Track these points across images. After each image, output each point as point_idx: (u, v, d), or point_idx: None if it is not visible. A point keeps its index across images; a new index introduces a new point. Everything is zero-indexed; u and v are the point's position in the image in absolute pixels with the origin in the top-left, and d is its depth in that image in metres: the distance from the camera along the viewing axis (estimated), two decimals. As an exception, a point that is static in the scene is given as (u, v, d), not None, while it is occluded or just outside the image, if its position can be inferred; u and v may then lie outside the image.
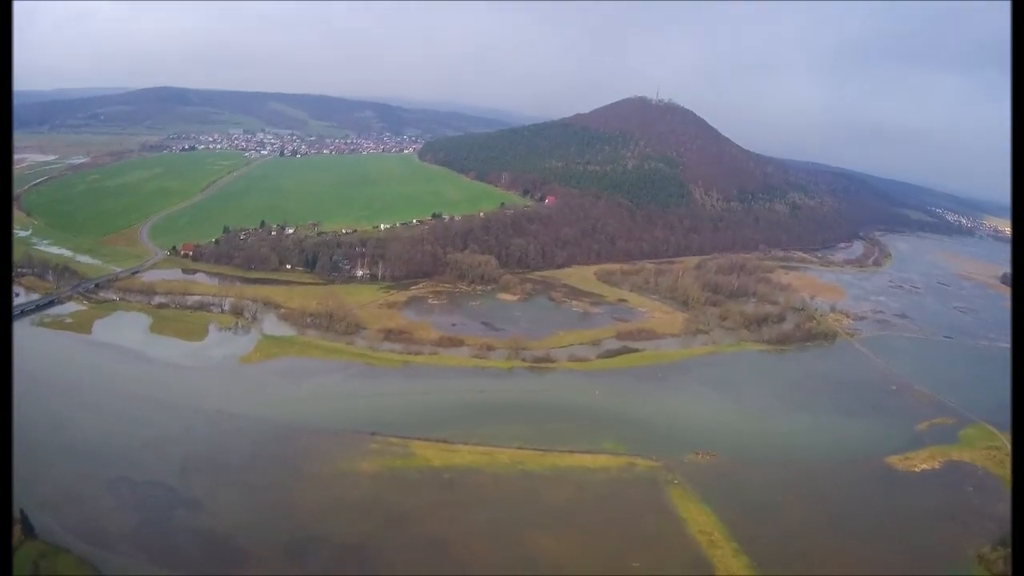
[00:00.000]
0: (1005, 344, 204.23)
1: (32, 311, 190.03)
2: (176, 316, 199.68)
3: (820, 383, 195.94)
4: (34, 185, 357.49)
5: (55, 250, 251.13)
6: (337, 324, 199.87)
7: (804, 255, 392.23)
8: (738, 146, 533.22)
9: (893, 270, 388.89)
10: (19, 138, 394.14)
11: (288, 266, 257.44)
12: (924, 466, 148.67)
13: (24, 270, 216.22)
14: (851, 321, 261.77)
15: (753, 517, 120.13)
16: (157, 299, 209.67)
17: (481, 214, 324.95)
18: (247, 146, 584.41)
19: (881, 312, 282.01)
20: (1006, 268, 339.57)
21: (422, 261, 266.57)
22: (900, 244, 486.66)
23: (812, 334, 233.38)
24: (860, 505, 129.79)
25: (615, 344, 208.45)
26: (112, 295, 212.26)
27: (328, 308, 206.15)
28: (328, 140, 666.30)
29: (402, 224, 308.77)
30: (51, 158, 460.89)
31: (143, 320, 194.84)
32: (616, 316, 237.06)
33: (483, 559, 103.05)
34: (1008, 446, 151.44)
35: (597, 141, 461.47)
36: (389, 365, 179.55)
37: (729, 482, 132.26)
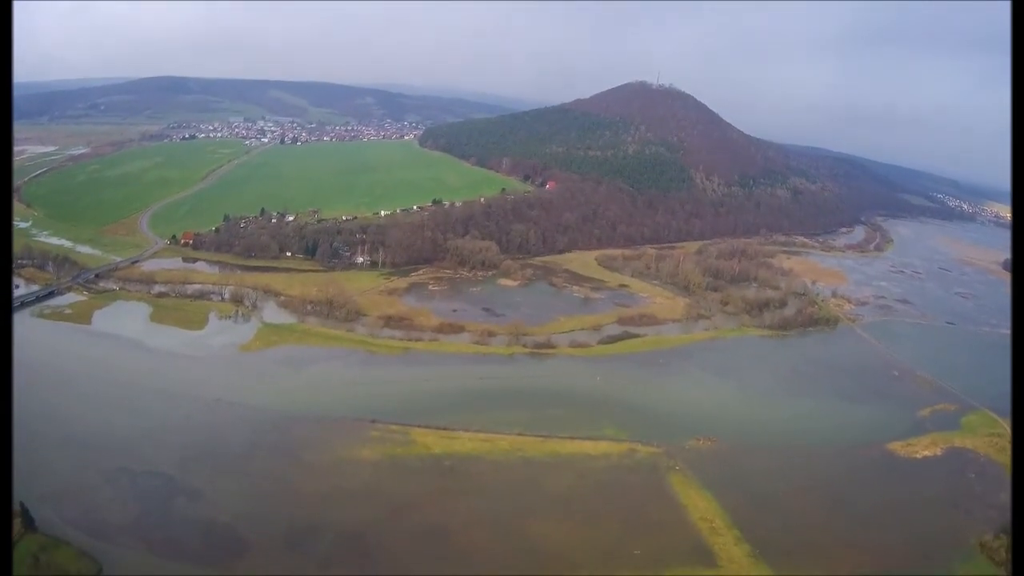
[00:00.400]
0: (1007, 330, 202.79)
1: (32, 302, 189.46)
2: (176, 305, 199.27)
3: (821, 369, 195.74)
4: (34, 176, 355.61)
5: (55, 241, 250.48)
6: (337, 311, 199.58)
7: (805, 240, 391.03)
8: (739, 131, 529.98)
9: (894, 255, 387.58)
10: (19, 129, 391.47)
11: (288, 253, 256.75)
12: (926, 452, 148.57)
13: (24, 261, 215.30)
14: (852, 306, 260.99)
15: (754, 504, 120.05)
16: (157, 288, 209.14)
17: (482, 200, 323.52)
18: (247, 134, 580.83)
19: (883, 297, 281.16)
20: (1007, 254, 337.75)
21: (422, 247, 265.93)
22: (901, 229, 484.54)
23: (813, 319, 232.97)
24: (862, 492, 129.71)
25: (616, 330, 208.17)
26: (112, 285, 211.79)
27: (328, 295, 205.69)
28: (329, 127, 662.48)
29: (402, 210, 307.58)
30: (51, 149, 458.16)
31: (143, 309, 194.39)
32: (617, 301, 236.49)
33: (484, 547, 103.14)
34: (1010, 432, 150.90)
35: (598, 126, 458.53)
36: (389, 352, 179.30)
37: (730, 468, 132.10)
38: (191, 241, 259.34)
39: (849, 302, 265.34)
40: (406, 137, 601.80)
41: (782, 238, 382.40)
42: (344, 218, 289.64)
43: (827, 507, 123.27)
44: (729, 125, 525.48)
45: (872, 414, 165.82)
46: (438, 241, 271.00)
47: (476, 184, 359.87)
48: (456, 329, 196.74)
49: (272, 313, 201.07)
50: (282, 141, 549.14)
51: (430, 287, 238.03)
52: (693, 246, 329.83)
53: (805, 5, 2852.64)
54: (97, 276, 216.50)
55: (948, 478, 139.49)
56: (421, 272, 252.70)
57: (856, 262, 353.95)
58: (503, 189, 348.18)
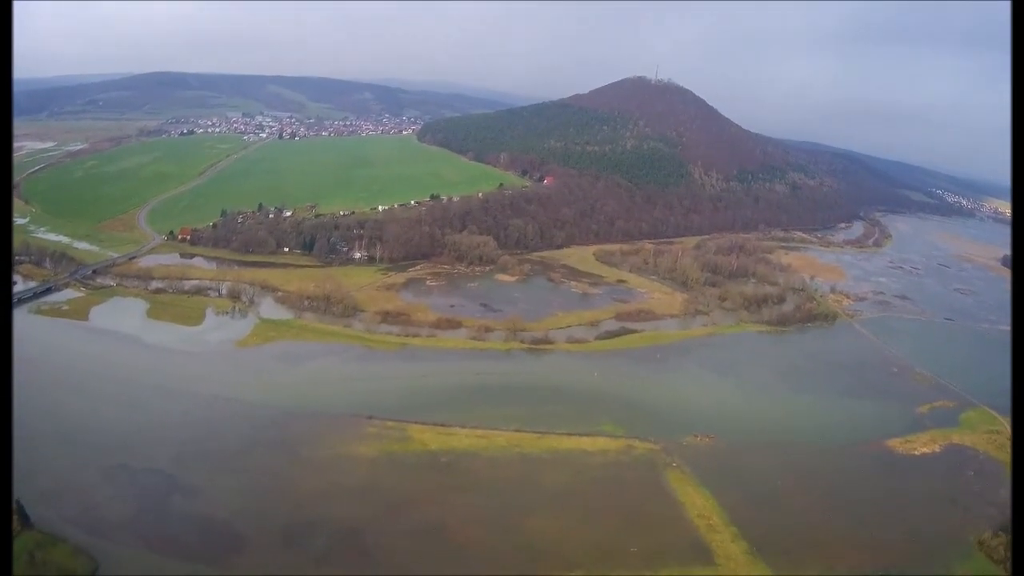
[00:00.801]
0: (1006, 327, 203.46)
1: (29, 299, 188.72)
2: (173, 301, 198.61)
3: (820, 365, 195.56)
4: (32, 173, 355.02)
5: (52, 237, 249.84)
6: (334, 307, 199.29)
7: (804, 235, 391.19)
8: (738, 126, 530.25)
9: (893, 251, 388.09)
10: (18, 125, 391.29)
11: (286, 249, 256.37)
12: (925, 449, 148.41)
13: (21, 258, 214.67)
14: (851, 302, 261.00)
15: (752, 501, 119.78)
16: (154, 284, 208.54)
17: (480, 195, 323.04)
18: (246, 129, 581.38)
19: (881, 293, 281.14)
20: (1007, 250, 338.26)
21: (420, 243, 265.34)
22: (900, 225, 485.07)
23: (812, 315, 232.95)
24: (860, 489, 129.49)
25: (614, 325, 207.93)
26: (109, 281, 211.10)
27: (325, 291, 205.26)
28: (327, 122, 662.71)
29: (400, 205, 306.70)
30: (49, 145, 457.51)
31: (140, 306, 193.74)
32: (615, 297, 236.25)
33: (480, 543, 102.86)
34: (1009, 430, 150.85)
35: (596, 121, 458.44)
36: (387, 348, 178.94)
37: (728, 465, 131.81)
38: (188, 237, 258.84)
39: (848, 298, 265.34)
40: (404, 132, 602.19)
41: (780, 233, 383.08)
42: (342, 213, 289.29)
43: (825, 504, 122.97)
44: (728, 120, 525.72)
45: (871, 411, 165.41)
46: (436, 236, 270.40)
47: (474, 179, 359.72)
48: (453, 325, 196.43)
49: (269, 309, 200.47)
50: (280, 136, 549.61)
51: (427, 282, 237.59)
52: (691, 241, 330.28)
53: (805, 3, 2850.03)
54: (95, 272, 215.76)
55: (947, 475, 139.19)
56: (419, 267, 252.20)
57: (855, 258, 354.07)
58: (501, 184, 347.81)
